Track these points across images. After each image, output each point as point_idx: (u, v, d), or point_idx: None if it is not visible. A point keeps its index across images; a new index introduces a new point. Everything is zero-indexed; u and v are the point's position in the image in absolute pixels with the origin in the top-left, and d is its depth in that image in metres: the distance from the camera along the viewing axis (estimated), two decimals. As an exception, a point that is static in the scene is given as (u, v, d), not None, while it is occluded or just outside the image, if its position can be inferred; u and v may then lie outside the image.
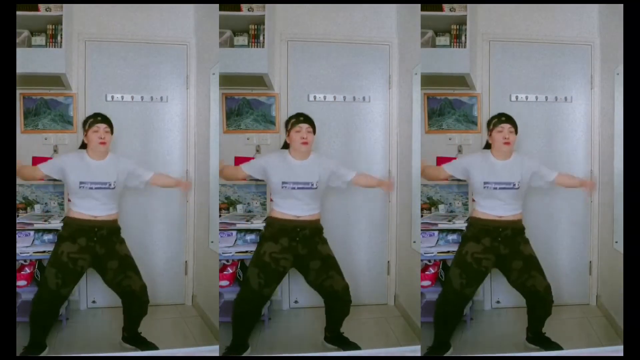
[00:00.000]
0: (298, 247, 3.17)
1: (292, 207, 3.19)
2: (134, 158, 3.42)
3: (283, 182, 3.18)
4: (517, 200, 3.19)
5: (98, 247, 3.13)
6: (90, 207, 3.14)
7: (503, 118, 3.21)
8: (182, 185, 3.55)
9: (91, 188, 3.11)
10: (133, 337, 3.28)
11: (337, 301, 3.23)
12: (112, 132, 3.21)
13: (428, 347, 3.20)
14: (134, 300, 3.20)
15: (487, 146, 3.27)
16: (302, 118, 3.22)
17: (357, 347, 3.29)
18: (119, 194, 3.22)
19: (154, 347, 3.28)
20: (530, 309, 3.25)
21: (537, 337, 3.29)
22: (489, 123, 3.26)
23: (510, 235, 3.17)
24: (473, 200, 3.29)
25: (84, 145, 3.22)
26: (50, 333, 3.19)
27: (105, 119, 3.20)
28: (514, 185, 3.16)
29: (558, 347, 3.28)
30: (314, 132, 3.24)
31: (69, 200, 3.20)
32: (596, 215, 3.81)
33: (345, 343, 3.29)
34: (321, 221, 3.25)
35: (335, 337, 3.31)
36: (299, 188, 3.17)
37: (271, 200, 3.33)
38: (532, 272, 3.17)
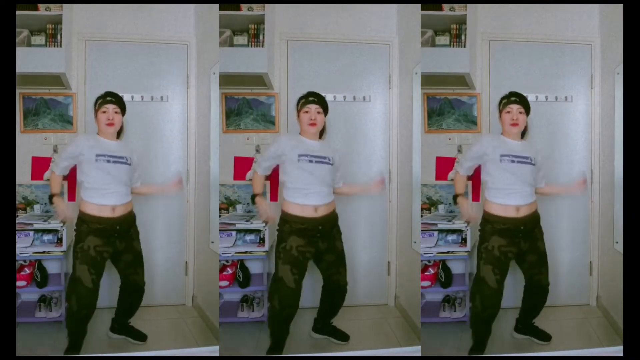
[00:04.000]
0: (319, 242, 3.12)
1: (309, 193, 3.04)
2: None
3: (300, 155, 3.05)
4: (532, 185, 3.10)
5: (118, 242, 3.11)
6: (105, 193, 3.03)
7: (512, 98, 3.13)
8: (169, 189, 3.55)
9: (108, 161, 3.04)
10: (123, 327, 3.32)
11: (339, 294, 3.27)
12: (123, 113, 3.14)
13: (469, 348, 3.17)
14: (136, 294, 3.26)
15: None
16: (311, 98, 3.13)
17: (346, 336, 3.35)
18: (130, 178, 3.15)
19: (143, 336, 3.31)
20: (528, 298, 3.25)
21: (526, 327, 3.32)
22: (499, 103, 3.19)
23: (529, 230, 3.12)
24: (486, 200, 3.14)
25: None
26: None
27: (115, 100, 3.12)
28: (531, 160, 3.09)
29: (547, 336, 3.31)
30: (326, 113, 3.16)
31: (82, 193, 3.09)
32: (596, 216, 3.81)
33: (334, 332, 3.36)
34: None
35: (326, 327, 3.37)
36: (316, 161, 3.06)
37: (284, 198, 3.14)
38: (542, 268, 3.19)
